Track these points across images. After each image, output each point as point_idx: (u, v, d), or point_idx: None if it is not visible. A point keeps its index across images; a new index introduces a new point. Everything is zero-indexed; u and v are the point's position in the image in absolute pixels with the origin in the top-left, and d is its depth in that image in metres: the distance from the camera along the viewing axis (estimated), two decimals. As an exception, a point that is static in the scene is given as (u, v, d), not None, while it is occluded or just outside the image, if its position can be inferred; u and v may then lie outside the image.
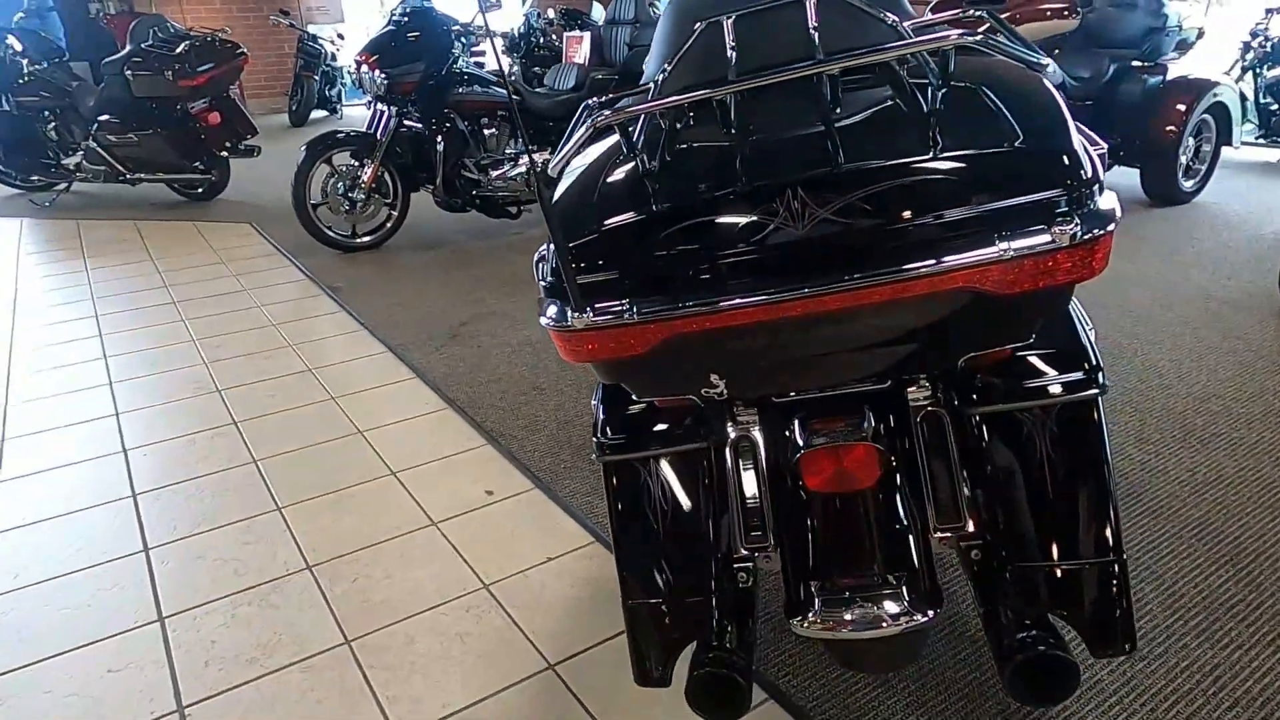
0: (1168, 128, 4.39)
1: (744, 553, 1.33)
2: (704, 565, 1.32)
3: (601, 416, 1.36)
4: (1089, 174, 0.96)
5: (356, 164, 4.45)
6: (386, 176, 4.53)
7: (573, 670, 1.64)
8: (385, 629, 1.78)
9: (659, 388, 1.18)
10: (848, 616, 1.20)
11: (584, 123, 1.00)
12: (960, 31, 0.97)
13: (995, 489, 1.23)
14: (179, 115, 5.59)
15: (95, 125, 5.60)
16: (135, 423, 2.76)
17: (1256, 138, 5.53)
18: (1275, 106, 5.29)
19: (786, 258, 0.95)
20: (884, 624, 1.19)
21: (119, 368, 3.22)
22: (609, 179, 1.08)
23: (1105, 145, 1.08)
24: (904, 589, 1.20)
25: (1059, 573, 1.20)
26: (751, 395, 1.23)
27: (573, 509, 2.14)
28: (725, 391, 1.14)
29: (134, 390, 3.02)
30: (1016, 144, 0.97)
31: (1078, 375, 1.18)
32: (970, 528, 1.25)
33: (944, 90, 1.00)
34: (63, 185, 6.14)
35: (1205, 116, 4.55)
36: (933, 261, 0.91)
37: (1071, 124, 1.00)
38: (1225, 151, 4.77)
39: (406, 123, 4.50)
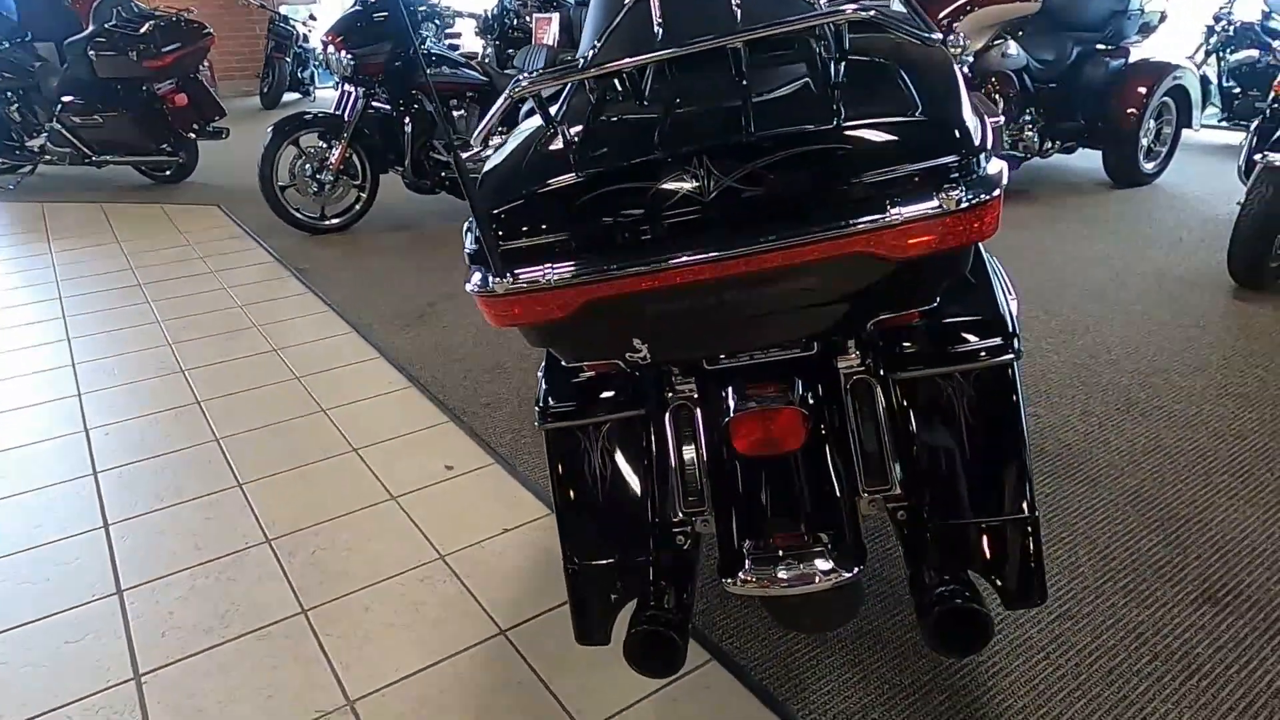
0: (1128, 110, 4.46)
1: (682, 516, 1.38)
2: (642, 529, 1.36)
3: (544, 386, 1.40)
4: (977, 142, 1.00)
5: (324, 145, 4.44)
6: (355, 158, 4.52)
7: (523, 635, 1.69)
8: (342, 599, 1.82)
9: (584, 352, 1.22)
10: (777, 574, 1.24)
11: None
12: (855, 6, 1.01)
13: (918, 452, 1.28)
14: (145, 96, 5.54)
15: (59, 106, 5.53)
16: (97, 402, 2.77)
17: (1220, 120, 5.63)
18: (1238, 90, 5.37)
19: (695, 224, 0.98)
20: (813, 580, 1.24)
21: (82, 349, 3.22)
22: (535, 150, 1.11)
23: (1002, 117, 1.13)
24: (830, 547, 1.25)
25: (975, 530, 1.26)
26: (673, 359, 1.27)
27: (531, 483, 2.19)
28: (648, 356, 1.18)
29: (97, 371, 3.02)
30: (910, 114, 1.01)
31: (994, 341, 1.24)
32: (896, 490, 1.31)
33: (843, 63, 1.04)
34: (27, 168, 6.05)
35: (1166, 99, 4.62)
36: (828, 227, 0.95)
37: (964, 95, 1.05)
38: (1186, 134, 4.86)
39: (375, 104, 4.49)
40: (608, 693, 1.53)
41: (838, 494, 1.30)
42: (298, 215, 4.53)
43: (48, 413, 2.71)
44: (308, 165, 4.45)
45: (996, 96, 4.24)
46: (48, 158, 5.76)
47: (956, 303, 1.30)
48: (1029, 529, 1.24)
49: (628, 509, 1.37)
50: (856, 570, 1.25)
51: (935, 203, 0.93)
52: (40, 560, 1.99)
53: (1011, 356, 1.24)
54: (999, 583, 1.24)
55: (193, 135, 5.72)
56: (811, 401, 1.29)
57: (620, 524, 1.37)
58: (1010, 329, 1.25)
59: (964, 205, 0.94)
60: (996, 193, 0.95)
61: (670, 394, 1.35)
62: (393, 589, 1.84)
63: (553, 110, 1.16)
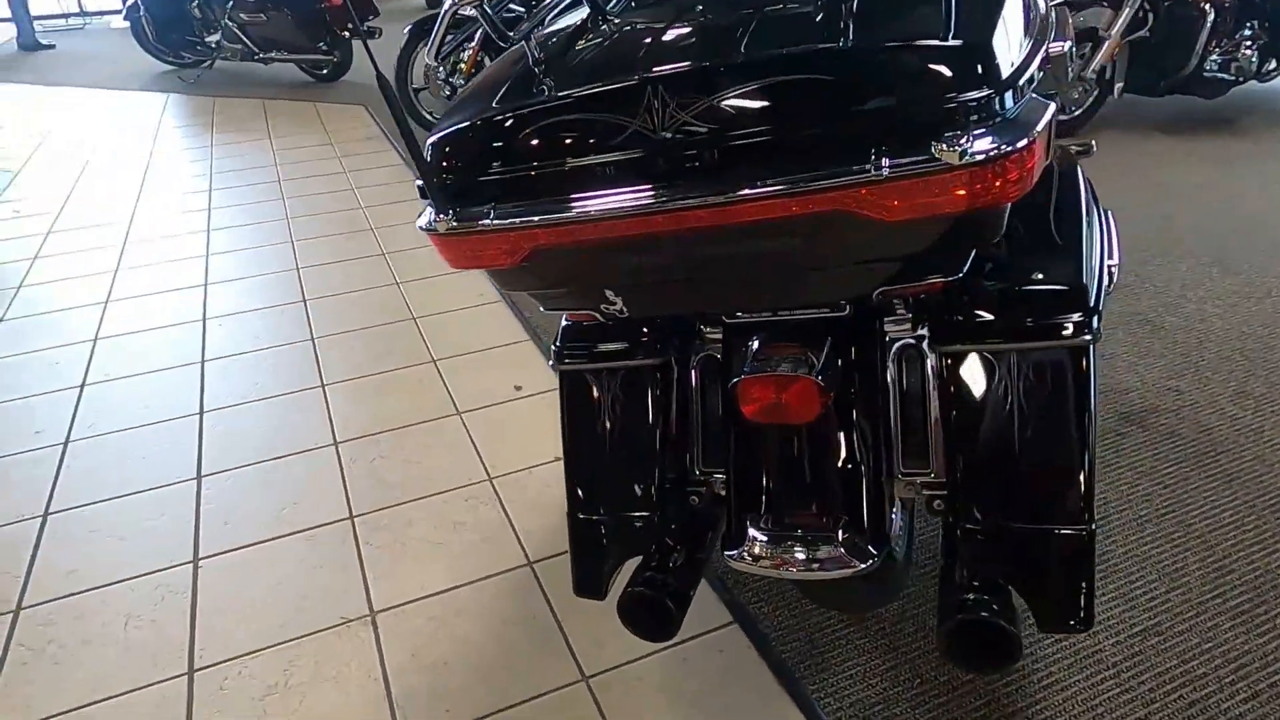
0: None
1: (699, 475, 1.28)
2: (648, 483, 1.27)
3: (564, 323, 1.31)
4: (1003, 74, 0.77)
5: (457, 47, 4.42)
6: (486, 61, 4.48)
7: (549, 570, 1.66)
8: (389, 509, 1.86)
9: (554, 301, 1.11)
10: (778, 555, 1.12)
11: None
12: None
13: (962, 437, 1.10)
14: (305, -5, 5.72)
15: (231, 3, 5.83)
16: (219, 294, 2.95)
17: None
18: None
19: (642, 167, 0.83)
20: (813, 567, 1.11)
21: (218, 241, 3.43)
22: (497, 77, 0.98)
23: (1067, 42, 0.87)
24: (840, 532, 1.11)
25: (1017, 535, 1.07)
26: (653, 314, 1.14)
27: (593, 411, 2.13)
28: (625, 309, 1.06)
29: (226, 262, 3.21)
30: (914, 36, 0.79)
31: (1067, 318, 1.02)
32: (937, 476, 1.14)
33: None
34: (206, 63, 6.49)
35: None
36: (795, 180, 0.77)
37: (1006, 11, 0.81)
38: None
39: (511, 6, 4.40)
40: (617, 643, 1.48)
41: (863, 473, 1.15)
42: (430, 119, 4.58)
43: (176, 300, 2.92)
44: (441, 68, 4.46)
45: (1205, 4, 3.58)
46: (222, 54, 6.13)
47: (1029, 262, 1.08)
48: (1081, 543, 1.04)
49: (635, 462, 1.28)
50: (871, 561, 1.11)
51: (931, 155, 0.74)
52: (141, 439, 2.16)
53: (1088, 339, 1.02)
54: (1034, 599, 1.06)
55: (347, 34, 5.88)
56: (841, 367, 1.13)
57: (627, 477, 1.28)
58: (1092, 303, 1.03)
59: (971, 159, 0.73)
60: (1022, 143, 0.73)
61: (699, 343, 1.24)
62: (437, 505, 1.86)
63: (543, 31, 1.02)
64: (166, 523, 1.85)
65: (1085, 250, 1.10)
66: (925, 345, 1.11)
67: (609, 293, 1.00)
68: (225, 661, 1.50)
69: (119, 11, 7.00)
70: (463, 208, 0.88)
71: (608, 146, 0.84)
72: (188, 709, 1.41)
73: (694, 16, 0.96)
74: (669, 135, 0.79)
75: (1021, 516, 1.06)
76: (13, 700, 1.45)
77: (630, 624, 1.23)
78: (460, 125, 0.90)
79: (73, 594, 1.67)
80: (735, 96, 0.78)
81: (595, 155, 0.85)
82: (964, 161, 0.72)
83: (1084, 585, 1.04)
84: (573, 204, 0.84)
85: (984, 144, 0.72)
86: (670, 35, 0.93)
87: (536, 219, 0.85)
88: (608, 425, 1.29)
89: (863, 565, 1.11)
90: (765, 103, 0.79)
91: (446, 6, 4.23)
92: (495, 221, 0.85)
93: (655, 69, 0.85)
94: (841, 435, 1.14)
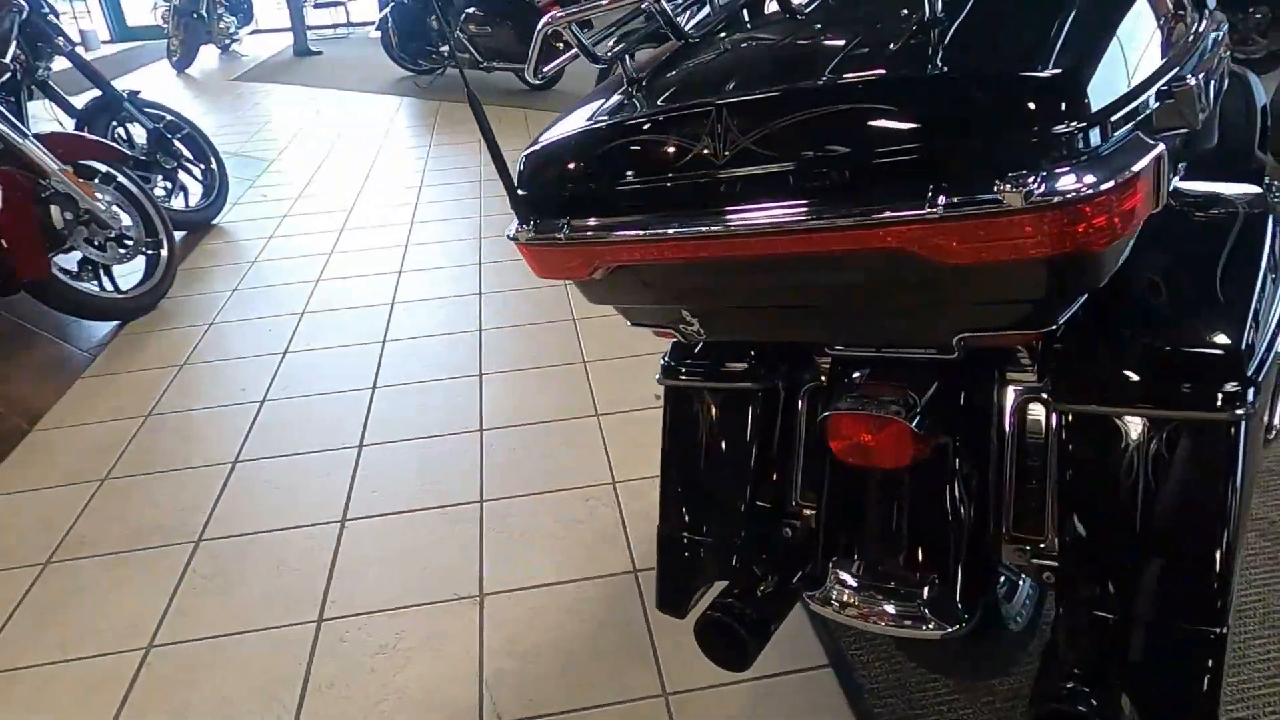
0: None
1: (796, 506, 1.24)
2: (737, 508, 1.25)
3: (675, 340, 1.32)
4: (1084, 108, 0.67)
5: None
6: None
7: (651, 580, 1.66)
8: (515, 499, 1.95)
9: (635, 316, 1.10)
10: (854, 603, 1.07)
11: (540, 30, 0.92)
12: None
13: (1078, 507, 0.99)
14: (523, 9, 6.11)
15: (463, 17, 6.35)
16: (409, 281, 3.22)
17: None
18: None
19: (706, 191, 0.81)
20: (892, 622, 1.04)
21: (418, 233, 3.75)
22: (592, 97, 0.99)
23: (1189, 76, 0.74)
24: (925, 590, 1.03)
25: (1133, 629, 0.94)
26: (729, 339, 1.11)
27: (727, 429, 2.12)
28: (702, 331, 1.04)
29: (420, 253, 3.50)
30: (1003, 63, 0.71)
31: (1215, 387, 0.88)
32: (1048, 545, 1.04)
33: None
34: (439, 70, 7.11)
35: None
36: (847, 214, 0.71)
37: (1118, 38, 0.70)
38: None
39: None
40: (705, 664, 1.42)
41: (962, 530, 1.06)
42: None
43: (372, 284, 3.22)
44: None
45: None
46: (452, 63, 6.70)
47: (1181, 317, 0.96)
48: (1210, 646, 0.90)
49: (728, 485, 1.26)
50: (958, 625, 1.03)
51: (993, 194, 0.66)
52: (322, 405, 2.41)
53: (1239, 413, 0.88)
54: (1145, 702, 0.93)
55: (560, 46, 6.21)
56: (947, 413, 1.05)
57: (717, 499, 1.27)
58: (1250, 372, 0.88)
59: (1039, 201, 0.64)
60: (1106, 186, 0.63)
61: (809, 371, 1.21)
62: (560, 500, 1.92)
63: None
64: (325, 482, 2.05)
65: (1256, 311, 0.95)
66: (1047, 399, 1.01)
67: (685, 313, 0.99)
68: (348, 616, 1.64)
69: (374, 23, 7.85)
70: (543, 220, 0.91)
71: (673, 168, 0.83)
72: (310, 654, 1.56)
73: (785, 40, 0.93)
74: (730, 160, 0.77)
75: (1140, 606, 0.93)
76: (186, 618, 1.68)
77: (705, 648, 1.22)
78: (546, 140, 0.94)
79: (242, 534, 1.90)
80: (793, 124, 0.75)
81: (660, 177, 0.85)
82: (1029, 204, 0.64)
83: (1208, 695, 0.90)
84: (636, 224, 0.85)
85: (1058, 185, 0.64)
86: (756, 59, 0.91)
87: (600, 235, 0.87)
88: (704, 444, 1.29)
89: (947, 628, 1.02)
90: (822, 132, 0.75)
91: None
92: (568, 235, 0.88)
93: (727, 93, 0.84)
94: (942, 486, 1.06)
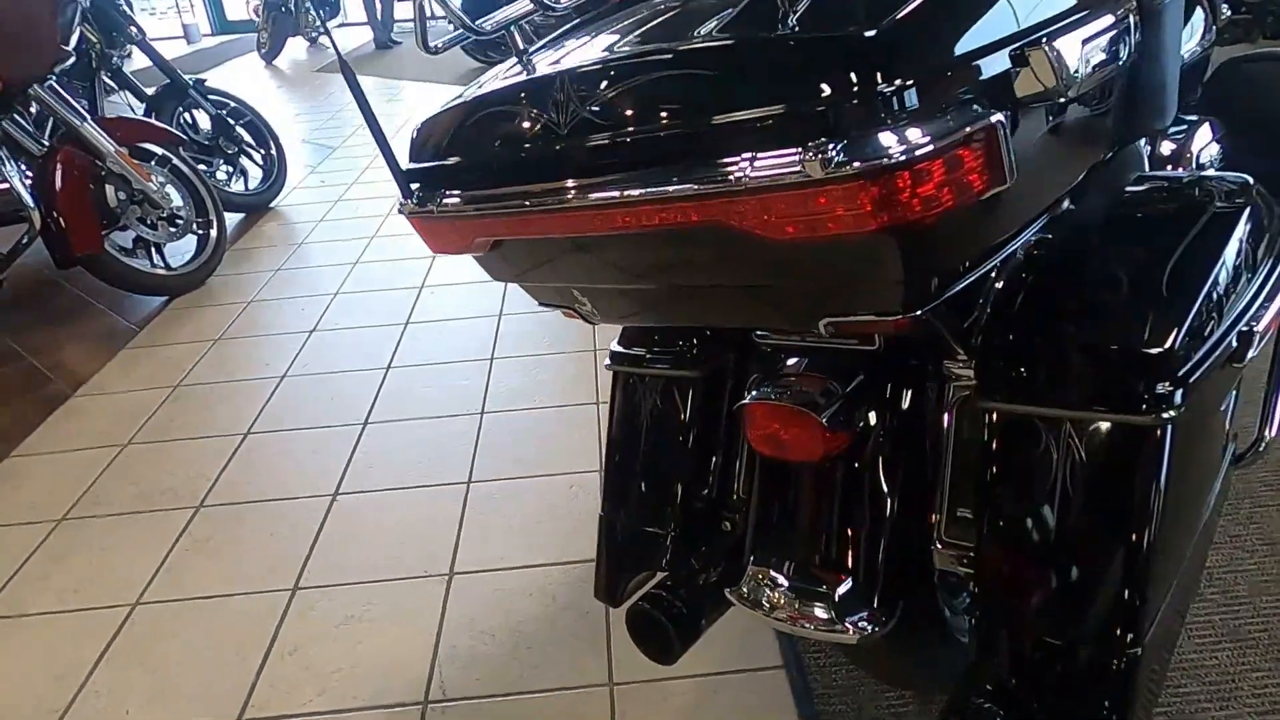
0: None
1: (738, 499, 1.21)
2: (672, 499, 1.22)
3: (626, 326, 1.30)
4: (902, 68, 0.61)
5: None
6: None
7: (619, 569, 1.65)
8: (505, 480, 1.96)
9: (539, 295, 1.08)
10: (766, 601, 1.03)
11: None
12: None
13: (992, 514, 0.93)
14: None
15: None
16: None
17: None
18: None
19: (548, 162, 0.78)
20: (801, 624, 1.01)
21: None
22: (491, 72, 0.97)
23: None
24: (837, 592, 0.99)
25: (1048, 645, 0.88)
26: (613, 321, 1.07)
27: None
28: (595, 312, 1.01)
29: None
30: (830, 23, 0.65)
31: (1138, 388, 0.81)
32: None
33: None
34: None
35: None
36: (669, 183, 0.67)
37: None
38: None
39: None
40: None
41: (883, 531, 1.01)
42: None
43: (406, 269, 3.28)
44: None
45: None
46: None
47: (1118, 310, 0.89)
48: (1123, 668, 0.83)
49: (663, 474, 1.24)
50: (869, 630, 0.98)
51: (793, 161, 0.61)
52: (342, 380, 2.48)
53: (1165, 416, 0.81)
54: None
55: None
56: (873, 408, 1.00)
57: (654, 489, 1.24)
58: (1179, 372, 0.81)
59: (837, 171, 0.60)
60: (922, 152, 0.57)
61: (741, 356, 1.17)
62: (544, 485, 1.93)
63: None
64: (327, 457, 2.11)
65: (1202, 308, 0.87)
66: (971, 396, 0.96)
67: (576, 293, 0.97)
68: (323, 586, 1.69)
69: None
70: (425, 192, 0.90)
71: (525, 139, 0.81)
72: (280, 619, 1.61)
73: (673, 7, 0.90)
74: (570, 131, 0.75)
75: (1054, 622, 0.87)
76: (174, 577, 1.75)
77: (634, 639, 1.20)
78: (432, 113, 0.93)
79: (240, 502, 1.97)
80: (618, 93, 0.72)
81: (514, 148, 0.83)
82: (830, 173, 0.59)
83: (1120, 714, 0.84)
84: (495, 197, 0.83)
85: (863, 152, 0.59)
86: (634, 27, 0.88)
87: (464, 209, 0.85)
88: (644, 431, 1.26)
89: (861, 631, 0.98)
90: (641, 101, 0.71)
91: None
92: (438, 208, 0.87)
93: (578, 61, 0.81)
94: (862, 484, 1.01)
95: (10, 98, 2.80)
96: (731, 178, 0.61)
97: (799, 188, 0.59)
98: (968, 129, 0.60)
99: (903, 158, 0.58)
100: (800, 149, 0.58)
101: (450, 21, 0.90)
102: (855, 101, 0.58)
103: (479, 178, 0.84)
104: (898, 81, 0.59)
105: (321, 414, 2.31)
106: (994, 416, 0.91)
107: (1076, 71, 0.70)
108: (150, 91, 3.87)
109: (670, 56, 0.71)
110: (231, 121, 4.04)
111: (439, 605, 1.61)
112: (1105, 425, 0.84)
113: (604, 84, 0.72)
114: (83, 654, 1.57)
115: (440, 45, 0.92)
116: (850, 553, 1.01)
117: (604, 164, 0.71)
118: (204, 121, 3.99)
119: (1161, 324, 0.85)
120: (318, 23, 10.21)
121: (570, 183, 0.74)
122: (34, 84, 2.81)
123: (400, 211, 0.95)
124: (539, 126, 0.77)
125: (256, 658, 1.53)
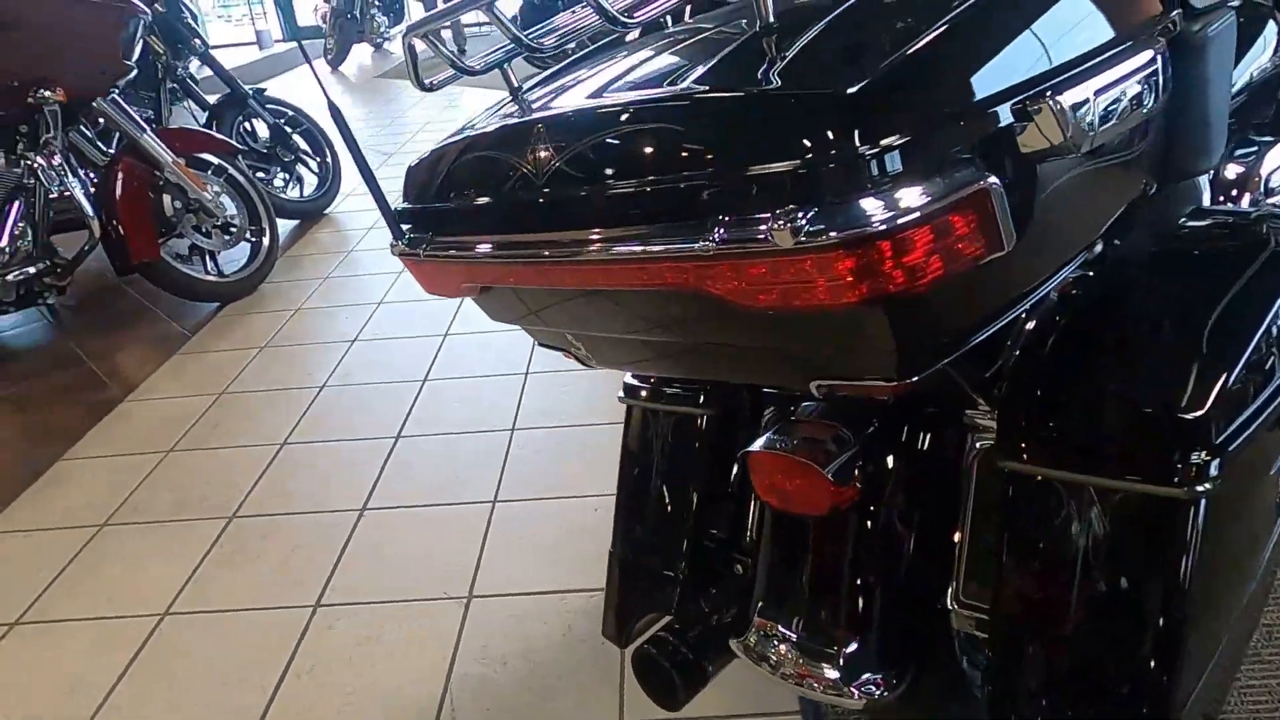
0: None
1: (750, 542, 1.17)
2: (680, 541, 1.18)
3: None
4: (881, 128, 0.56)
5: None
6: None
7: (637, 599, 1.62)
8: (527, 501, 1.94)
9: (538, 336, 1.05)
10: (770, 656, 0.98)
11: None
12: None
13: (1009, 580, 0.86)
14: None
15: (585, 15, 6.45)
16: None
17: None
18: None
19: (527, 211, 0.74)
20: (805, 683, 0.96)
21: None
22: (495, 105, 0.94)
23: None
24: (842, 652, 0.94)
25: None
26: (609, 367, 1.03)
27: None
28: (589, 357, 0.98)
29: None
30: (813, 80, 0.60)
31: (1169, 458, 0.74)
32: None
33: None
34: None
35: None
36: (635, 245, 0.62)
37: (922, 48, 0.58)
38: None
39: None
40: None
41: (896, 590, 0.96)
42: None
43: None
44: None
45: None
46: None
47: (1148, 367, 0.82)
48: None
49: (673, 516, 1.20)
50: (875, 694, 0.93)
51: (762, 230, 0.56)
52: (378, 392, 2.50)
53: (1201, 490, 0.74)
54: None
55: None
56: (887, 460, 0.95)
57: (662, 529, 1.21)
58: (1215, 441, 0.74)
59: (807, 241, 0.54)
60: (899, 222, 0.52)
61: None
62: (568, 507, 1.90)
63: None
64: (357, 471, 2.12)
65: (1246, 367, 0.80)
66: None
67: (570, 337, 0.94)
68: (343, 604, 1.69)
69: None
70: (415, 234, 0.88)
71: (503, 186, 0.78)
72: (300, 637, 1.62)
73: (657, 52, 0.85)
74: (546, 181, 0.71)
75: (1059, 707, 0.80)
76: (202, 589, 1.78)
77: (640, 682, 1.17)
78: (424, 153, 0.91)
79: (270, 514, 2.00)
80: (591, 145, 0.68)
81: (497, 194, 0.79)
82: (800, 244, 0.54)
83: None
84: (480, 243, 0.80)
85: (835, 221, 0.54)
86: (619, 72, 0.84)
87: (453, 253, 0.83)
88: (655, 469, 1.23)
89: (860, 697, 0.93)
90: (615, 155, 0.67)
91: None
92: (426, 251, 0.84)
93: (561, 107, 0.78)
94: (876, 540, 0.96)
95: (75, 110, 2.91)
96: (702, 242, 0.57)
97: (770, 256, 0.55)
98: (957, 194, 0.55)
99: (882, 226, 0.52)
100: (770, 215, 0.54)
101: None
102: (831, 165, 0.53)
103: (463, 223, 0.82)
104: (880, 142, 0.54)
105: (356, 426, 2.33)
106: (1012, 477, 0.85)
107: (1090, 124, 0.64)
108: (212, 101, 3.99)
109: (645, 108, 0.67)
110: (289, 130, 4.13)
111: (455, 629, 1.60)
112: (1133, 495, 0.78)
113: (579, 134, 0.69)
114: (110, 664, 1.60)
115: (434, 83, 0.90)
116: (859, 611, 0.95)
117: (580, 218, 0.68)
118: (262, 130, 4.09)
119: (1200, 384, 0.78)
120: (382, 28, 10.44)
121: (547, 236, 0.71)
122: (97, 97, 2.91)
123: (392, 252, 0.93)
124: (519, 175, 0.74)
125: (274, 676, 1.53)
